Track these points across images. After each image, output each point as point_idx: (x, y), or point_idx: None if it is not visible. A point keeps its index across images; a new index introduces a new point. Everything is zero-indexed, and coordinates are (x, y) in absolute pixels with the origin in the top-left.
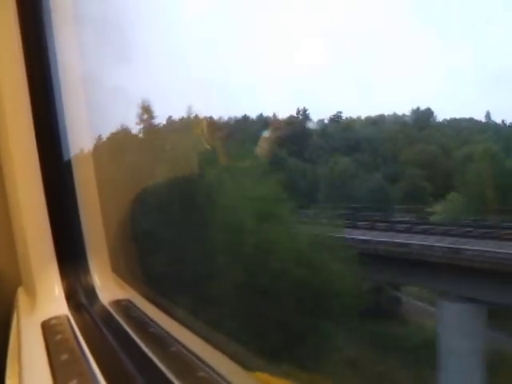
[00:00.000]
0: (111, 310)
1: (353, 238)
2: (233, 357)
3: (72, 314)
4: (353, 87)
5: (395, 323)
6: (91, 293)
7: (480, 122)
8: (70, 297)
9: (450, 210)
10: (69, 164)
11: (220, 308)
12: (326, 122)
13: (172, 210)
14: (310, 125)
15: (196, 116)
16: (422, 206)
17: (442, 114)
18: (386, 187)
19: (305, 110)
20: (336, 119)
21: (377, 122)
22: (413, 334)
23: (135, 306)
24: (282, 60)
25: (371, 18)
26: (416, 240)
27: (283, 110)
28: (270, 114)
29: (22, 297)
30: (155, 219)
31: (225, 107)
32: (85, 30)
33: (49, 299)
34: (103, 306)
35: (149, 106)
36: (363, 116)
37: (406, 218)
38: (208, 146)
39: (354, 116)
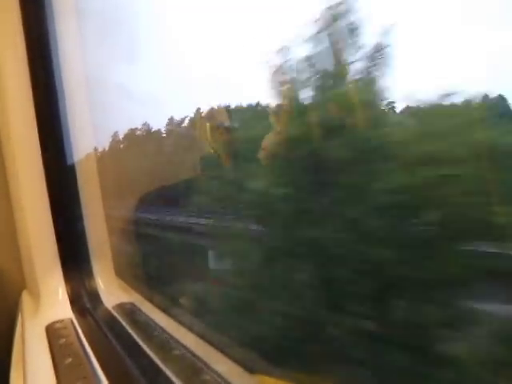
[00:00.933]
0: (115, 314)
1: None
2: (237, 360)
3: (76, 318)
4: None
5: None
6: (95, 296)
7: None
8: (74, 300)
9: None
10: (72, 167)
11: None
12: None
13: None
14: None
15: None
16: None
17: None
18: None
19: None
20: None
21: None
22: None
23: (139, 309)
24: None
25: None
26: None
27: None
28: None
29: (26, 300)
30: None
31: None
32: (88, 25)
33: (53, 303)
34: (107, 310)
35: None
36: None
37: None
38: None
39: None
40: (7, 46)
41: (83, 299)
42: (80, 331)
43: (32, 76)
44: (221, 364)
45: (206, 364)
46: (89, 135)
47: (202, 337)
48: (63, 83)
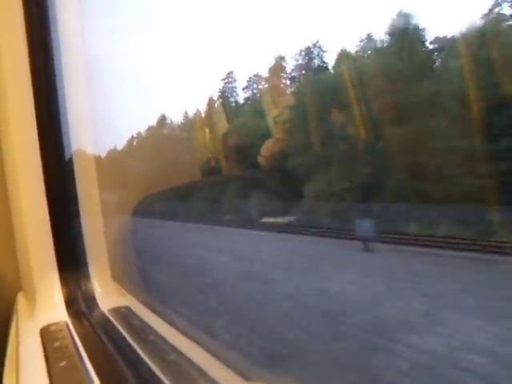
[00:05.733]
0: (111, 317)
1: None
2: (232, 366)
3: (71, 321)
4: None
5: None
6: (91, 300)
7: None
8: (70, 303)
9: None
10: (71, 170)
11: None
12: None
13: None
14: None
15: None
16: None
17: None
18: None
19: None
20: None
21: None
22: None
23: (135, 313)
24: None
25: None
26: None
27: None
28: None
29: (21, 302)
30: None
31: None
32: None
33: (48, 305)
34: (103, 313)
35: None
36: None
37: None
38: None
39: None
40: (8, 43)
41: (79, 302)
42: (75, 334)
43: (32, 70)
44: (216, 370)
45: (200, 369)
46: (88, 137)
47: (197, 342)
48: (64, 83)
